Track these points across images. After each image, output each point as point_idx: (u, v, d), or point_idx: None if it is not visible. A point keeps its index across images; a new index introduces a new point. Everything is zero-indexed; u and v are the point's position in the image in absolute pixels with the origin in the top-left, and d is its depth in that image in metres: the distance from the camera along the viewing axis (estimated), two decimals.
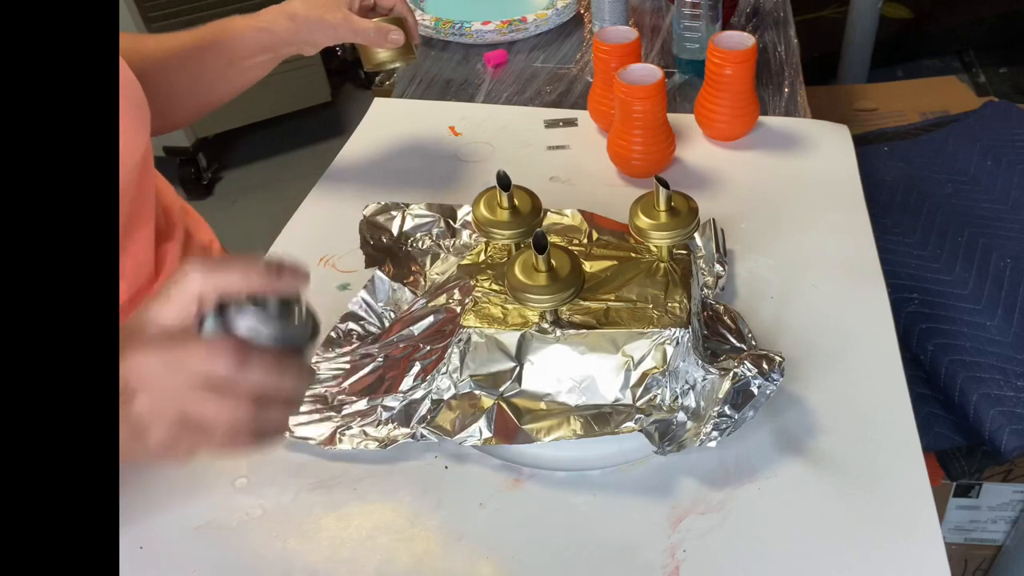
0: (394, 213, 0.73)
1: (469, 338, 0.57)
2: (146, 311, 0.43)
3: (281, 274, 0.44)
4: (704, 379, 0.56)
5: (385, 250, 0.71)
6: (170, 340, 0.42)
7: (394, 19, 0.78)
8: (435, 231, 0.72)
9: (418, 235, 0.72)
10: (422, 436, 0.57)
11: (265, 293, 0.43)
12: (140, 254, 0.68)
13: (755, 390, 0.54)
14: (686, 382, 0.56)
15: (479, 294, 0.59)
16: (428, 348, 0.60)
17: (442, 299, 0.63)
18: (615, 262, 0.61)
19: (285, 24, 0.76)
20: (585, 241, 0.69)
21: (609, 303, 0.58)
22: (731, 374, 0.55)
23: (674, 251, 0.61)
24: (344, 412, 0.59)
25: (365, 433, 0.58)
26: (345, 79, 2.37)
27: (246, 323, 0.43)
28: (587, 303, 0.57)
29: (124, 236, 0.65)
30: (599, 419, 0.56)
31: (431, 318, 0.62)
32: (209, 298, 0.43)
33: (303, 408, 0.60)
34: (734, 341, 0.62)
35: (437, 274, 0.68)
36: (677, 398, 0.56)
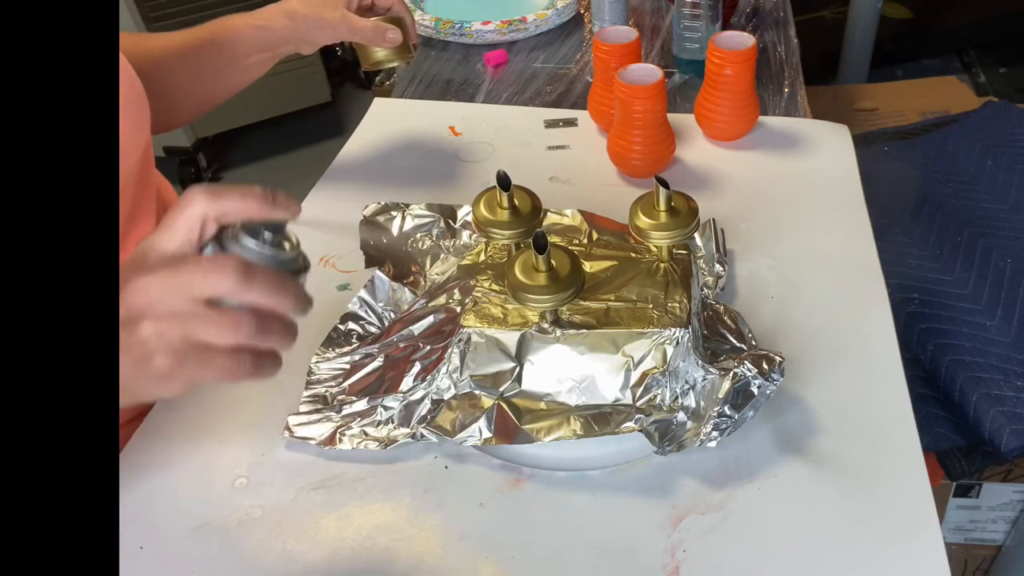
0: (394, 213, 0.73)
1: (469, 338, 0.57)
2: (149, 240, 0.44)
3: (276, 202, 0.45)
4: (704, 379, 0.56)
5: (385, 250, 0.71)
6: (172, 262, 0.42)
7: (392, 18, 0.79)
8: (435, 231, 0.72)
9: (418, 235, 0.72)
10: (422, 436, 0.57)
11: (260, 220, 0.44)
12: None
13: (755, 390, 0.54)
14: (686, 382, 0.56)
15: (479, 294, 0.59)
16: (428, 348, 0.60)
17: (442, 299, 0.63)
18: (615, 262, 0.61)
19: (284, 22, 0.76)
20: (585, 241, 0.69)
21: (609, 303, 0.58)
22: (731, 374, 0.55)
23: (674, 251, 0.61)
24: (344, 412, 0.59)
25: (365, 433, 0.58)
26: (345, 79, 2.37)
27: (244, 249, 0.44)
28: (587, 303, 0.57)
29: (125, 231, 0.65)
30: (599, 419, 0.56)
31: (431, 318, 0.62)
32: (210, 224, 0.44)
33: (303, 408, 0.60)
34: (734, 341, 0.62)
35: (437, 274, 0.68)
36: (677, 398, 0.56)
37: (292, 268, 0.46)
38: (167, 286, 0.42)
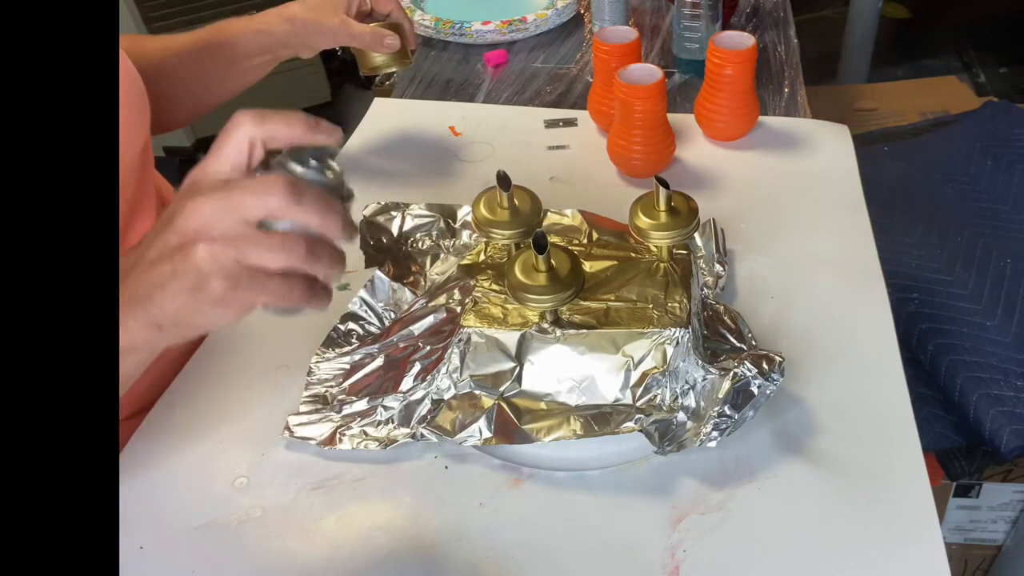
0: (394, 213, 0.73)
1: (469, 338, 0.57)
2: (201, 167, 0.44)
3: (319, 127, 0.45)
4: (704, 379, 0.56)
5: (385, 250, 0.71)
6: (224, 185, 0.42)
7: (390, 24, 0.79)
8: (435, 231, 0.72)
9: (418, 235, 0.72)
10: (422, 436, 0.57)
11: (307, 147, 0.45)
12: None
13: (755, 390, 0.54)
14: (686, 382, 0.56)
15: (479, 294, 0.59)
16: (428, 348, 0.60)
17: (442, 299, 0.63)
18: (615, 262, 0.61)
19: (283, 27, 0.77)
20: (585, 241, 0.69)
21: (609, 303, 0.58)
22: (731, 374, 0.55)
23: (674, 251, 0.61)
24: (344, 412, 0.59)
25: (365, 433, 0.58)
26: (345, 79, 2.36)
27: (291, 175, 0.44)
28: (587, 303, 0.57)
29: (126, 226, 0.65)
30: (599, 419, 0.56)
31: (431, 318, 0.62)
32: (258, 148, 0.44)
33: (303, 408, 0.60)
34: (734, 341, 0.62)
35: (437, 274, 0.68)
36: (677, 398, 0.56)
37: (338, 195, 0.46)
38: (220, 208, 0.41)
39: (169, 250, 0.42)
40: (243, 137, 0.44)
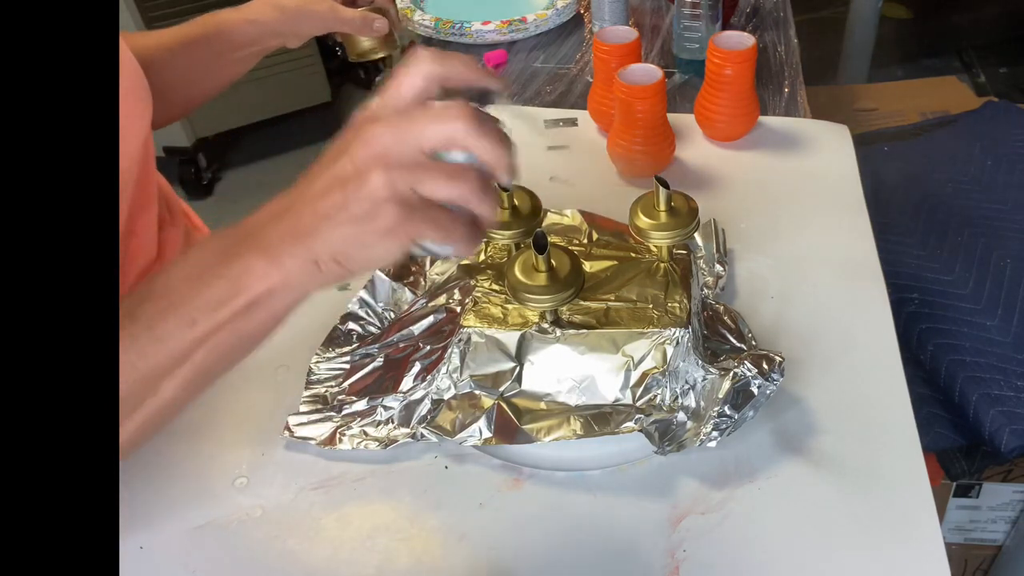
0: None
1: (469, 338, 0.57)
2: (379, 99, 0.43)
3: (493, 74, 0.45)
4: (704, 379, 0.56)
5: None
6: (403, 112, 0.42)
7: (375, 9, 0.80)
8: None
9: None
10: (422, 436, 0.57)
11: (478, 91, 0.44)
12: (144, 236, 0.69)
13: (755, 390, 0.54)
14: (686, 382, 0.56)
15: (479, 294, 0.59)
16: (428, 348, 0.60)
17: (442, 299, 0.63)
18: (615, 262, 0.61)
19: (273, 15, 0.77)
20: (585, 241, 0.69)
21: (609, 303, 0.58)
22: (731, 374, 0.55)
23: (674, 251, 0.61)
24: (344, 412, 0.59)
25: (365, 433, 0.58)
26: (345, 79, 2.37)
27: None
28: (587, 303, 0.57)
29: (131, 219, 0.66)
30: (599, 419, 0.56)
31: (431, 318, 0.62)
32: (433, 85, 0.43)
33: (303, 408, 0.60)
34: (734, 341, 0.62)
35: (437, 274, 0.68)
36: (677, 398, 0.56)
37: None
38: (399, 134, 0.41)
39: (341, 179, 0.41)
40: (421, 72, 0.43)
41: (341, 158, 0.41)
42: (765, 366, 0.55)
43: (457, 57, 0.44)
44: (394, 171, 0.40)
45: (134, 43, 0.75)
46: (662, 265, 0.60)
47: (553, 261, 0.55)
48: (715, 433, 0.54)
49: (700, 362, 0.56)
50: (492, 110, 0.45)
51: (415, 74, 0.43)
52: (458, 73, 0.43)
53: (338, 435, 0.58)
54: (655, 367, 0.56)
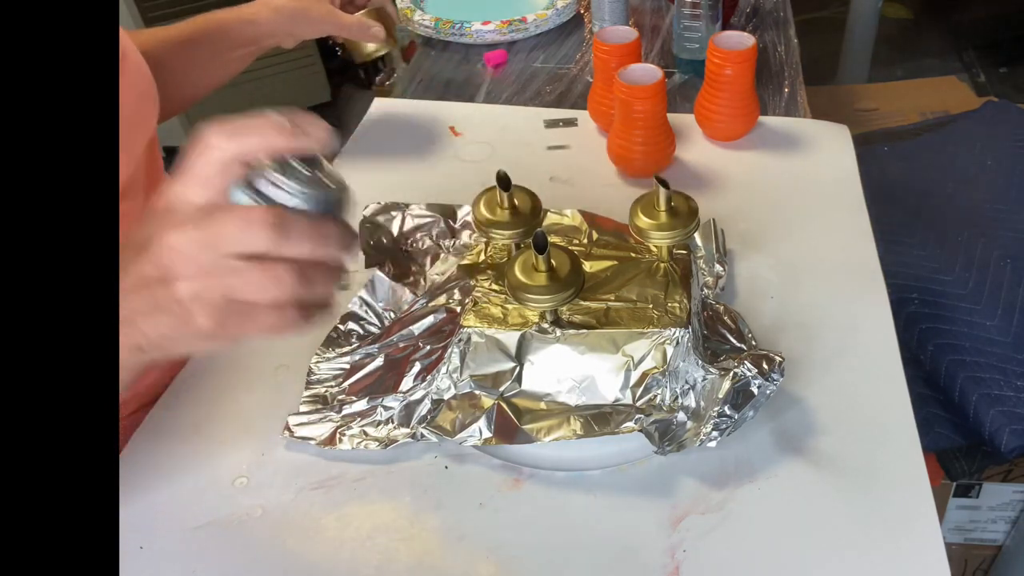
0: (394, 213, 0.73)
1: (469, 338, 0.57)
2: (171, 191, 0.40)
3: (301, 131, 0.40)
4: (704, 379, 0.56)
5: (385, 250, 0.71)
6: (203, 217, 0.39)
7: (374, 10, 0.81)
8: (435, 231, 0.72)
9: (418, 235, 0.72)
10: (422, 436, 0.57)
11: (288, 154, 0.41)
12: None
13: (755, 390, 0.54)
14: (686, 382, 0.56)
15: (479, 294, 0.59)
16: (428, 348, 0.60)
17: (442, 299, 0.63)
18: (615, 262, 0.61)
19: (270, 16, 0.77)
20: (585, 241, 0.69)
21: (609, 303, 0.58)
22: (731, 374, 0.55)
23: (674, 251, 0.61)
24: (344, 412, 0.59)
25: (365, 433, 0.58)
26: (345, 79, 2.36)
27: (275, 190, 0.40)
28: (587, 303, 0.57)
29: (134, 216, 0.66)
30: (599, 419, 0.56)
31: (431, 318, 0.62)
32: (233, 167, 0.40)
33: (303, 408, 0.60)
34: (734, 341, 0.62)
35: (437, 274, 0.68)
36: (677, 398, 0.56)
37: (333, 199, 0.41)
38: (200, 242, 0.38)
39: (147, 280, 0.39)
40: (215, 160, 0.40)
41: (141, 259, 0.40)
42: (765, 366, 0.55)
43: (252, 128, 0.40)
44: (199, 280, 0.39)
45: (133, 39, 0.75)
46: (662, 265, 0.60)
47: (553, 261, 0.55)
48: (715, 433, 0.54)
49: (700, 362, 0.56)
50: (326, 163, 0.41)
51: (208, 163, 0.40)
52: (259, 146, 0.40)
53: (338, 435, 0.58)
54: (655, 367, 0.56)
